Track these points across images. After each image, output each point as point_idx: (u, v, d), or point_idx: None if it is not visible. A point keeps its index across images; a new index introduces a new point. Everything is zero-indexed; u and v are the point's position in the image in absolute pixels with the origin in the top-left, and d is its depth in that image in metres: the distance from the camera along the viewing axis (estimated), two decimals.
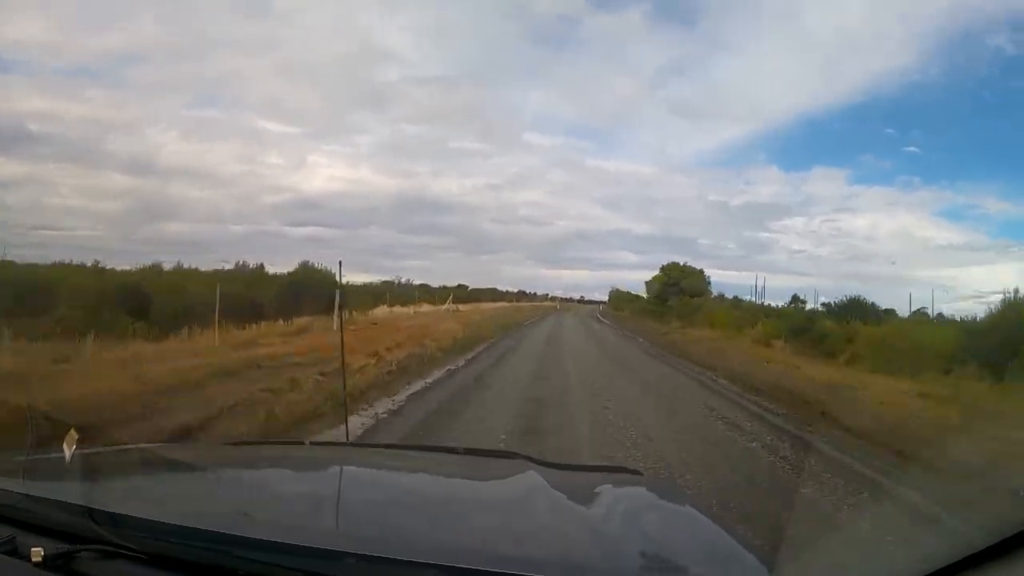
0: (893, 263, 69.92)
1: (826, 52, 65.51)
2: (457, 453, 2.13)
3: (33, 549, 1.04)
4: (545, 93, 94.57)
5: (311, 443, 3.18)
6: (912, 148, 63.36)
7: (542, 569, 1.00)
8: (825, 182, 79.78)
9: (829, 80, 73.25)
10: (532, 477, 1.54)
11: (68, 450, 1.37)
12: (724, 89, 76.00)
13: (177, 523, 1.09)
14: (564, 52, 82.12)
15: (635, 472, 1.86)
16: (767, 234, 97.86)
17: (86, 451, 1.51)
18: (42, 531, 1.13)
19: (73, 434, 1.39)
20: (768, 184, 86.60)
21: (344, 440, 4.29)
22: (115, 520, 1.10)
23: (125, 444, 2.32)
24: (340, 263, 3.37)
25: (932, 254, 64.46)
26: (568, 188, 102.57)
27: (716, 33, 72.01)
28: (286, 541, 1.03)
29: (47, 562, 1.04)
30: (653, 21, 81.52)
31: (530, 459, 1.76)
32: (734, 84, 76.39)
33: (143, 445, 2.18)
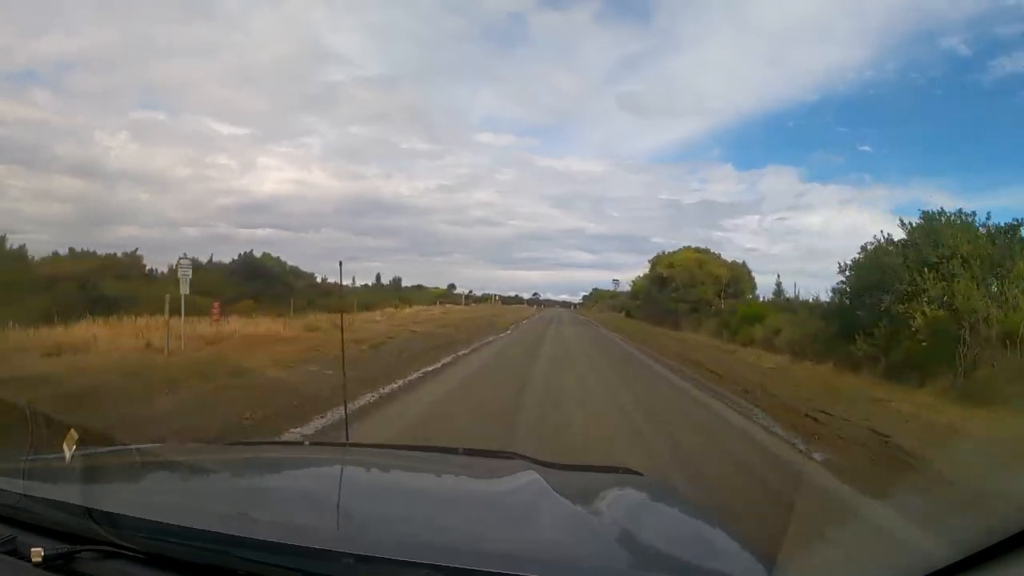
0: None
1: (780, 49, 66.53)
2: (456, 453, 2.13)
3: (33, 549, 1.04)
4: (495, 92, 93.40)
5: (311, 443, 3.18)
6: (865, 146, 64.67)
7: (541, 569, 1.00)
8: (779, 179, 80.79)
9: (783, 78, 74.33)
10: (531, 477, 1.54)
11: (68, 450, 1.37)
12: (677, 86, 76.61)
13: (177, 523, 1.09)
14: (514, 50, 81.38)
15: (635, 472, 1.86)
16: (720, 232, 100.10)
17: (86, 451, 1.51)
18: (42, 531, 1.13)
19: (73, 434, 1.40)
20: (722, 182, 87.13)
21: (344, 440, 4.29)
22: (114, 520, 1.10)
23: (126, 443, 2.32)
24: (340, 263, 3.37)
25: None
26: (520, 188, 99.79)
27: (669, 30, 72.89)
28: (285, 541, 1.03)
29: (47, 562, 1.04)
30: (604, 18, 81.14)
31: (529, 459, 1.76)
32: (687, 81, 77.16)
33: (143, 445, 2.18)
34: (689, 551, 1.22)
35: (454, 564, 0.98)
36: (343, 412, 5.13)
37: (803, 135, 72.39)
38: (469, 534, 1.29)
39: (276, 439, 4.94)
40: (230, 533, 1.06)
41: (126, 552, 1.06)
